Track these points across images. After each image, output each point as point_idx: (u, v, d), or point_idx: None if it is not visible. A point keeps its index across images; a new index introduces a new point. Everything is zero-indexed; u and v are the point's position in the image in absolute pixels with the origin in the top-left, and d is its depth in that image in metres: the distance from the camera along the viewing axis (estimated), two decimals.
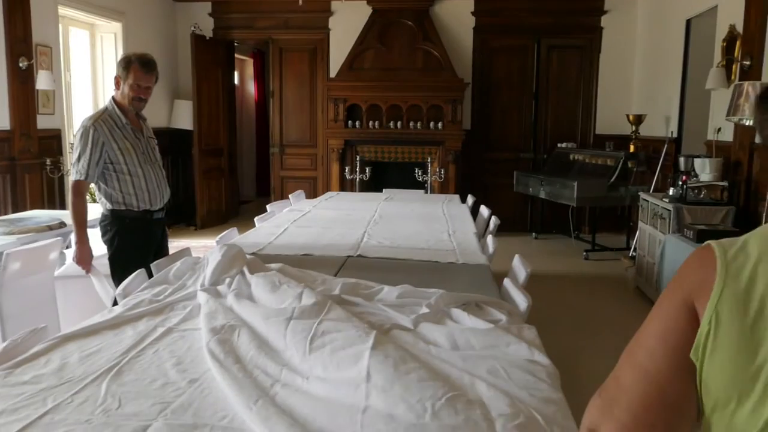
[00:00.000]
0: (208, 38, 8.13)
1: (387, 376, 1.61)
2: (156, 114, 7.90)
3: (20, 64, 5.38)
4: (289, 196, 5.75)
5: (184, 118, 8.04)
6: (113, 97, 3.24)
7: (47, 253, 3.48)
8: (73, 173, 3.17)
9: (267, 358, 1.81)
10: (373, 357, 1.70)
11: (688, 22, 6.26)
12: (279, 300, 2.23)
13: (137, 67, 3.15)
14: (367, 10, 7.94)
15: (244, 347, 1.90)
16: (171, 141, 8.19)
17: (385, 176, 8.15)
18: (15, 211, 5.01)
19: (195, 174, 7.98)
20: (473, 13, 8.00)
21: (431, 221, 4.36)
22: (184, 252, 3.06)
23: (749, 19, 4.77)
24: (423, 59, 7.79)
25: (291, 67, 8.39)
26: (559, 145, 7.84)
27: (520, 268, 3.05)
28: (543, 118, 8.12)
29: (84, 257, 3.23)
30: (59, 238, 3.64)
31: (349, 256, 3.25)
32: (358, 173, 7.63)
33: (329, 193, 6.21)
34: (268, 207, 5.05)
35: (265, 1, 8.11)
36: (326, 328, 1.95)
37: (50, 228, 3.85)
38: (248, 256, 2.81)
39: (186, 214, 8.29)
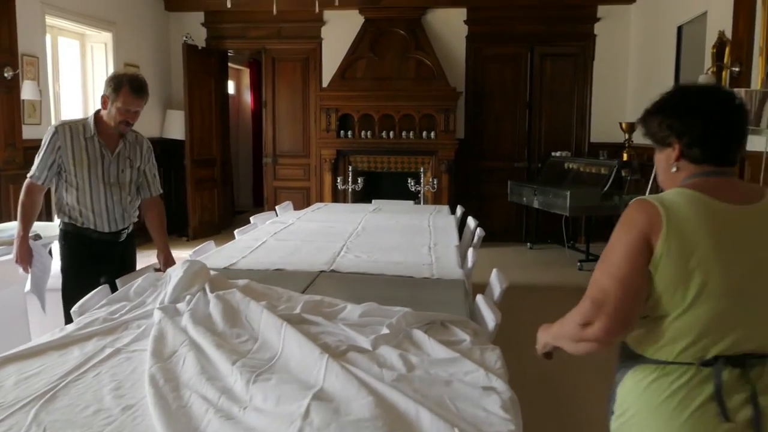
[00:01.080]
0: (200, 48, 8.10)
1: (325, 417, 1.54)
2: (148, 124, 7.86)
3: (5, 74, 5.35)
4: (276, 207, 5.70)
5: (176, 128, 8.01)
6: (98, 111, 3.10)
7: (18, 267, 3.42)
8: (30, 171, 3.08)
9: (208, 383, 1.75)
10: (316, 397, 1.64)
11: (680, 29, 6.20)
12: (234, 333, 2.16)
13: (128, 90, 2.97)
14: (360, 20, 7.91)
15: (188, 371, 1.84)
16: (163, 151, 8.16)
17: (378, 186, 8.10)
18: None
19: (187, 184, 7.94)
20: (466, 22, 7.95)
21: (414, 234, 4.29)
22: (148, 268, 3.00)
23: (738, 25, 4.70)
24: (415, 68, 7.74)
25: (284, 76, 8.35)
26: (553, 153, 7.77)
27: (495, 283, 2.97)
28: (537, 126, 8.05)
29: (22, 255, 3.08)
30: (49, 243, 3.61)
31: (321, 272, 3.18)
32: (350, 184, 7.57)
33: (317, 204, 6.15)
34: (251, 219, 4.98)
35: (258, 10, 8.04)
36: (278, 366, 1.88)
37: (11, 243, 3.79)
38: (212, 273, 2.74)
39: (178, 225, 8.23)
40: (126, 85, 2.98)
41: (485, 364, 1.94)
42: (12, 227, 4.22)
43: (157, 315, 2.26)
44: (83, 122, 3.07)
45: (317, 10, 5.59)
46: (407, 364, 1.92)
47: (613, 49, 7.80)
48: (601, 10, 7.83)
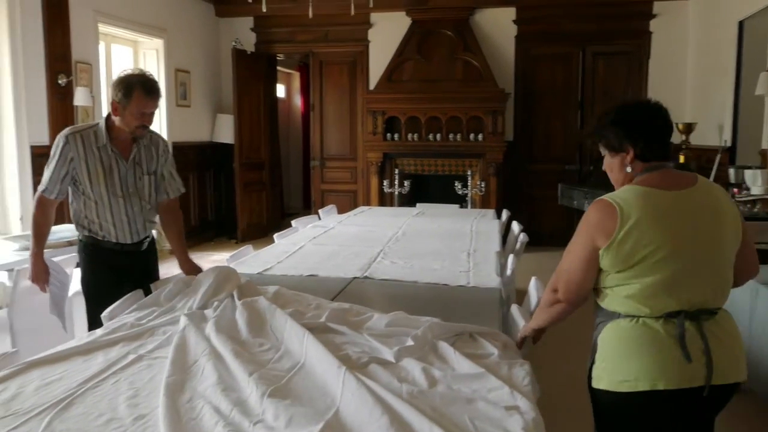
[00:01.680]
0: (249, 53, 8.19)
1: None
2: (199, 128, 8.03)
3: (59, 81, 5.51)
4: (319, 210, 5.69)
5: (226, 132, 8.12)
6: (108, 116, 2.85)
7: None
8: (41, 183, 2.85)
9: (223, 394, 1.72)
10: (328, 426, 1.57)
11: (741, 24, 5.90)
12: (257, 342, 2.13)
13: (140, 92, 2.72)
14: (407, 21, 7.85)
15: (206, 381, 1.81)
16: (213, 155, 8.31)
17: (425, 190, 8.02)
18: (61, 223, 5.09)
19: (236, 187, 8.04)
20: (515, 22, 7.79)
21: (454, 239, 4.19)
22: (178, 275, 2.98)
23: None
24: (463, 70, 7.62)
25: (331, 80, 8.37)
26: None
27: (533, 292, 2.86)
28: (589, 127, 7.80)
29: (37, 273, 2.90)
30: (75, 254, 3.66)
31: (354, 278, 3.13)
32: (396, 187, 7.52)
33: (360, 208, 6.11)
34: (293, 222, 4.99)
35: (305, 14, 8.08)
36: (295, 380, 1.85)
37: (70, 243, 3.88)
38: (243, 278, 2.72)
39: (227, 227, 8.36)
40: (138, 87, 2.73)
41: (512, 380, 1.85)
42: (62, 230, 4.35)
43: (183, 322, 2.26)
44: (94, 129, 2.83)
45: (352, 12, 5.54)
46: (429, 378, 1.85)
47: (670, 46, 7.51)
48: (657, 6, 7.55)
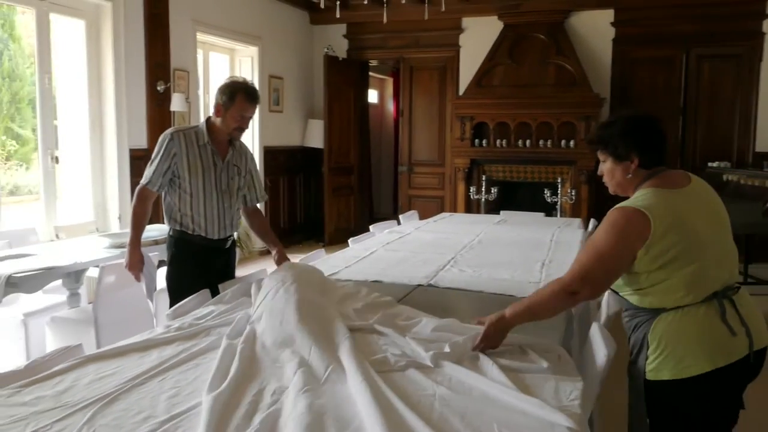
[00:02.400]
0: (341, 59, 8.32)
1: None
2: (291, 133, 8.24)
3: (158, 88, 5.81)
4: (400, 216, 5.68)
5: (316, 137, 8.29)
6: (209, 118, 3.15)
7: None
8: (142, 177, 3.10)
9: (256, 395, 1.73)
10: None
11: None
12: (297, 336, 2.15)
13: (243, 97, 3.00)
14: (499, 26, 7.72)
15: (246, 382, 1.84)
16: (304, 159, 8.50)
17: (513, 197, 7.85)
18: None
19: (324, 191, 8.18)
20: (613, 24, 7.48)
21: (532, 248, 4.05)
22: (254, 276, 3.06)
23: None
24: (555, 74, 7.40)
25: (421, 85, 8.36)
26: (709, 164, 7.06)
27: (604, 307, 2.72)
28: (692, 134, 7.37)
29: (133, 263, 3.12)
30: (157, 253, 3.84)
31: (419, 285, 3.09)
32: (483, 193, 7.39)
33: (442, 214, 6.04)
34: (371, 227, 5.01)
35: (397, 20, 8.14)
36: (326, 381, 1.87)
37: (156, 242, 4.06)
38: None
39: (316, 231, 8.51)
40: (241, 93, 3.00)
41: (557, 395, 1.75)
42: (152, 230, 4.57)
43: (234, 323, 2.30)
44: (195, 129, 3.10)
45: (425, 16, 5.46)
46: (465, 384, 1.80)
47: None
48: None
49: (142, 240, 4.04)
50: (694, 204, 1.97)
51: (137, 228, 3.13)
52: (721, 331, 1.88)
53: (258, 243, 7.65)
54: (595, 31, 7.53)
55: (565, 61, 7.36)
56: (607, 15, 7.49)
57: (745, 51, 7.16)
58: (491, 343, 2.06)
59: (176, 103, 5.82)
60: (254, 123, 7.47)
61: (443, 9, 5.77)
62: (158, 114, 5.82)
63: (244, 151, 3.29)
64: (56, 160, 5.12)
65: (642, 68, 7.46)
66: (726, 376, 1.89)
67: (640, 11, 7.38)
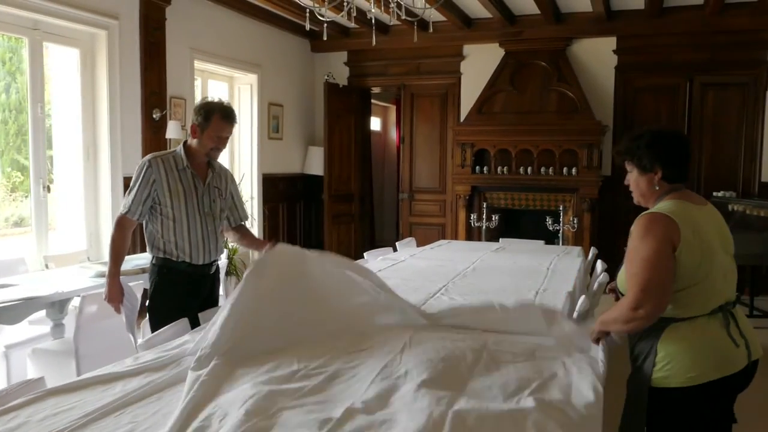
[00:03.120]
0: (341, 86, 8.30)
1: None
2: (290, 160, 8.19)
3: (153, 116, 5.78)
4: (396, 243, 5.58)
5: (317, 164, 8.24)
6: (185, 142, 3.12)
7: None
8: (121, 206, 3.07)
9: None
10: None
11: None
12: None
13: (219, 117, 2.99)
14: (500, 53, 7.68)
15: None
16: (304, 186, 8.44)
17: (515, 225, 7.76)
18: (132, 253, 5.31)
19: (324, 219, 8.10)
20: (615, 51, 7.42)
21: (527, 277, 3.94)
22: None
23: None
24: (557, 101, 7.33)
25: (422, 112, 8.32)
26: (714, 193, 6.93)
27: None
28: (696, 163, 7.26)
29: (112, 295, 3.04)
30: (141, 281, 3.75)
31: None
32: (484, 221, 7.28)
33: (440, 242, 5.94)
34: (365, 254, 4.92)
35: (398, 48, 8.14)
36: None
37: (144, 271, 3.98)
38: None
39: None
40: (217, 113, 2.99)
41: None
42: (139, 258, 4.49)
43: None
44: (173, 154, 3.07)
45: (415, 39, 5.39)
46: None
47: None
48: None
49: (130, 269, 4.01)
50: (711, 222, 2.10)
51: (116, 258, 3.05)
52: (726, 342, 2.03)
53: None
54: (598, 58, 7.48)
55: (567, 89, 7.30)
56: (610, 42, 7.44)
57: (750, 80, 7.06)
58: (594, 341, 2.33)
59: (172, 131, 5.78)
60: (252, 149, 7.44)
61: (430, 30, 5.67)
62: (154, 141, 5.77)
63: (224, 173, 3.26)
64: (48, 189, 5.06)
65: (645, 96, 7.39)
66: (727, 386, 2.03)
67: (642, 39, 7.32)
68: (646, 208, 2.17)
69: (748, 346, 2.06)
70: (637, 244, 2.02)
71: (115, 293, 3.06)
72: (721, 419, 2.13)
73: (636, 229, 2.05)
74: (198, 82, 6.72)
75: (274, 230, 7.89)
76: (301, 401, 1.88)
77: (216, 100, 3.11)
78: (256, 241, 3.46)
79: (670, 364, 2.02)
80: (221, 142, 3.07)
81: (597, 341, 2.31)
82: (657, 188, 2.14)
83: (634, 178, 2.20)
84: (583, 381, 2.05)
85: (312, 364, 2.20)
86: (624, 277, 2.12)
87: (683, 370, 2.00)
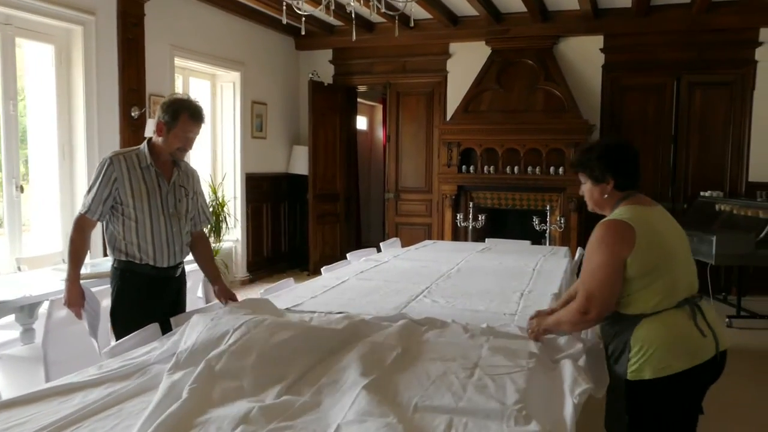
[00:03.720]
0: (326, 84, 8.19)
1: None
2: (274, 160, 8.07)
3: (132, 114, 5.65)
4: (381, 244, 5.49)
5: (301, 163, 8.13)
6: (150, 139, 2.95)
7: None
8: (80, 206, 2.91)
9: None
10: None
11: None
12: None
13: (187, 117, 2.84)
14: (486, 51, 7.60)
15: None
16: (289, 186, 8.33)
17: (501, 224, 7.68)
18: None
19: (309, 219, 7.99)
20: (602, 50, 7.36)
21: (512, 278, 3.85)
22: (200, 310, 2.85)
23: None
24: (544, 100, 7.25)
25: (408, 111, 8.23)
26: (701, 193, 6.89)
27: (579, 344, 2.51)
28: (683, 163, 7.21)
29: (72, 299, 2.89)
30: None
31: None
32: (471, 221, 7.20)
33: (425, 242, 5.84)
34: (348, 255, 4.82)
35: (384, 46, 8.05)
36: None
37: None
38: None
39: (300, 259, 8.31)
40: (185, 112, 2.84)
41: None
42: (106, 261, 4.35)
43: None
44: (136, 152, 2.90)
45: (396, 33, 5.30)
46: None
47: None
48: (765, 33, 6.88)
49: (106, 271, 3.87)
50: (665, 221, 2.24)
51: (76, 261, 2.90)
52: (694, 333, 2.12)
53: (239, 272, 7.45)
54: (585, 57, 7.42)
55: (554, 87, 7.23)
56: (597, 41, 7.38)
57: (737, 79, 7.02)
58: (535, 336, 2.43)
59: (151, 129, 5.63)
60: (236, 149, 7.32)
61: (412, 25, 5.57)
62: (132, 140, 5.62)
63: (190, 172, 3.11)
64: (21, 189, 4.92)
65: (632, 95, 7.33)
66: (697, 375, 2.13)
67: (629, 37, 7.27)
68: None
69: (716, 337, 2.15)
70: (591, 253, 2.18)
71: (75, 297, 2.90)
72: (691, 410, 2.24)
73: (593, 237, 2.19)
74: (179, 80, 6.58)
75: (257, 231, 7.77)
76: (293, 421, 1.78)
77: (185, 97, 2.96)
78: (211, 265, 3.19)
79: (643, 358, 2.11)
80: (188, 142, 2.92)
81: (536, 338, 2.43)
82: (607, 197, 2.26)
83: (588, 189, 2.32)
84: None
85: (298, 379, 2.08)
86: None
87: (655, 362, 2.09)
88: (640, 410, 2.16)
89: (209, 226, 3.28)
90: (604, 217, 2.25)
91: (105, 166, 2.82)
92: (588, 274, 2.16)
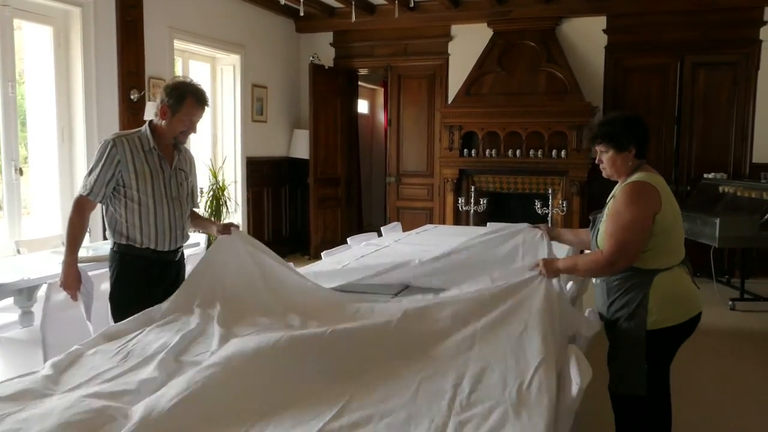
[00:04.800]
0: (327, 68, 8.14)
1: None
2: (275, 143, 8.04)
3: (131, 96, 5.61)
4: (382, 228, 5.46)
5: (302, 147, 8.09)
6: (151, 121, 2.93)
7: (97, 284, 3.42)
8: (80, 187, 2.88)
9: None
10: None
11: None
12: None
13: (192, 101, 2.84)
14: (488, 33, 7.53)
15: None
16: (290, 170, 8.30)
17: (503, 208, 7.65)
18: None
19: (310, 203, 7.97)
20: (605, 31, 7.28)
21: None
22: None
23: None
24: (546, 82, 7.19)
25: (409, 94, 8.17)
26: (705, 175, 6.85)
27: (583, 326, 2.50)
28: (686, 145, 7.16)
29: (69, 281, 2.85)
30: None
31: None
32: (472, 205, 7.17)
33: (426, 226, 5.82)
34: (348, 240, 4.80)
35: (385, 28, 7.98)
36: None
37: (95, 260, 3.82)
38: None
39: (302, 243, 8.30)
40: (191, 96, 2.84)
41: None
42: (105, 244, 4.33)
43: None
44: (138, 134, 2.88)
45: (396, 14, 5.21)
46: None
47: None
48: None
49: (99, 255, 3.86)
50: (668, 187, 2.48)
51: (74, 242, 2.87)
52: (694, 287, 2.50)
53: None
54: (587, 38, 7.34)
55: (557, 69, 7.16)
56: (600, 22, 7.30)
57: (742, 59, 6.95)
58: (545, 274, 2.51)
59: (150, 112, 5.58)
60: (236, 133, 7.29)
61: (411, 5, 5.50)
62: (132, 122, 5.58)
63: (189, 156, 3.12)
64: (21, 172, 4.90)
65: (635, 76, 7.27)
66: (693, 325, 2.48)
67: (632, 18, 7.19)
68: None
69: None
70: (622, 209, 2.37)
71: (72, 279, 2.87)
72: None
73: (623, 196, 2.39)
74: (179, 63, 6.54)
75: (258, 215, 7.75)
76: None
77: (188, 80, 2.94)
78: (200, 219, 3.30)
79: (663, 308, 2.38)
80: (192, 126, 2.91)
81: (543, 274, 2.53)
82: (630, 164, 2.47)
83: (609, 157, 2.50)
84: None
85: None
86: (603, 236, 2.44)
87: (675, 311, 2.41)
88: (661, 355, 2.46)
89: (196, 208, 3.27)
90: (609, 190, 2.58)
91: (108, 148, 2.79)
92: (620, 228, 2.35)
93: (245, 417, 1.71)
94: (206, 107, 2.93)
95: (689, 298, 2.46)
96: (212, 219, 3.32)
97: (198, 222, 3.24)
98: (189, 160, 3.10)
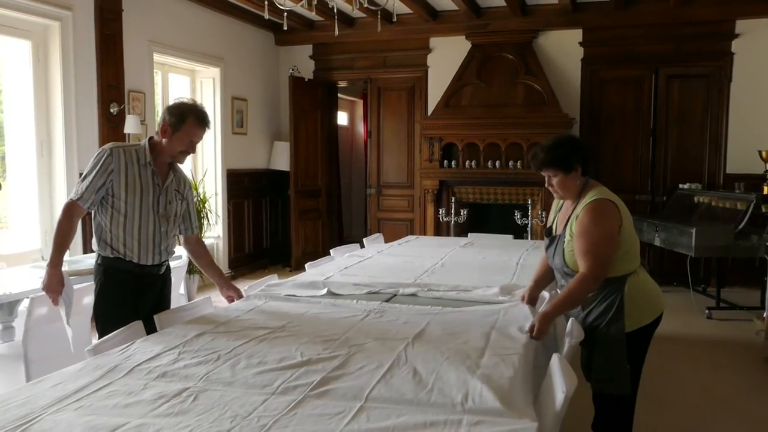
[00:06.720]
0: (306, 80, 8.16)
1: None
2: (255, 156, 8.04)
3: (111, 110, 5.58)
4: (364, 239, 5.48)
5: (283, 159, 8.10)
6: (151, 138, 2.94)
7: (79, 298, 3.40)
8: (72, 192, 2.86)
9: None
10: None
11: None
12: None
13: (193, 121, 2.84)
14: (467, 45, 7.62)
15: None
16: (270, 182, 8.29)
17: (484, 219, 7.71)
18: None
19: (291, 215, 7.96)
20: (581, 44, 7.41)
21: (495, 272, 3.86)
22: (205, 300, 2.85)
23: None
24: (524, 94, 7.29)
25: (389, 106, 8.22)
26: (681, 185, 6.97)
27: (564, 335, 2.53)
28: (662, 155, 7.29)
29: (52, 284, 2.80)
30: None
31: (369, 312, 2.88)
32: (453, 216, 7.22)
33: (408, 237, 5.85)
34: (331, 251, 4.81)
35: (364, 41, 8.04)
36: None
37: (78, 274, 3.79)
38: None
39: (282, 255, 8.29)
40: (192, 116, 2.84)
41: None
42: (86, 258, 4.31)
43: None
44: (136, 147, 2.88)
45: (378, 28, 5.28)
46: None
47: (755, 68, 6.91)
48: (741, 25, 6.97)
49: (79, 269, 3.83)
50: (620, 198, 2.64)
51: (60, 246, 2.83)
52: (656, 283, 2.70)
53: (221, 269, 7.39)
54: (564, 51, 7.46)
55: (534, 81, 7.27)
56: (576, 35, 7.43)
57: (714, 71, 7.11)
58: (543, 332, 2.50)
59: (130, 125, 5.58)
60: (216, 145, 7.27)
61: (395, 20, 5.57)
62: (112, 136, 5.56)
63: (184, 179, 3.10)
64: None
65: (611, 88, 7.40)
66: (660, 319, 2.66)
67: (608, 31, 7.32)
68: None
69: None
70: (591, 227, 2.49)
71: (55, 283, 2.82)
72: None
73: (588, 215, 2.51)
74: (158, 76, 6.52)
75: (239, 227, 7.73)
76: None
77: (191, 101, 2.97)
78: (212, 266, 3.24)
79: (638, 309, 2.55)
80: (192, 146, 2.91)
81: (540, 334, 2.49)
82: (578, 182, 2.61)
83: (559, 181, 2.62)
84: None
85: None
86: (573, 257, 2.56)
87: (648, 309, 2.59)
88: (637, 355, 2.61)
89: (196, 233, 3.26)
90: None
91: (104, 156, 2.81)
92: (593, 243, 2.48)
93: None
94: (207, 128, 2.93)
95: (656, 294, 2.65)
96: (222, 274, 3.26)
97: (206, 265, 3.21)
98: (184, 182, 3.09)
